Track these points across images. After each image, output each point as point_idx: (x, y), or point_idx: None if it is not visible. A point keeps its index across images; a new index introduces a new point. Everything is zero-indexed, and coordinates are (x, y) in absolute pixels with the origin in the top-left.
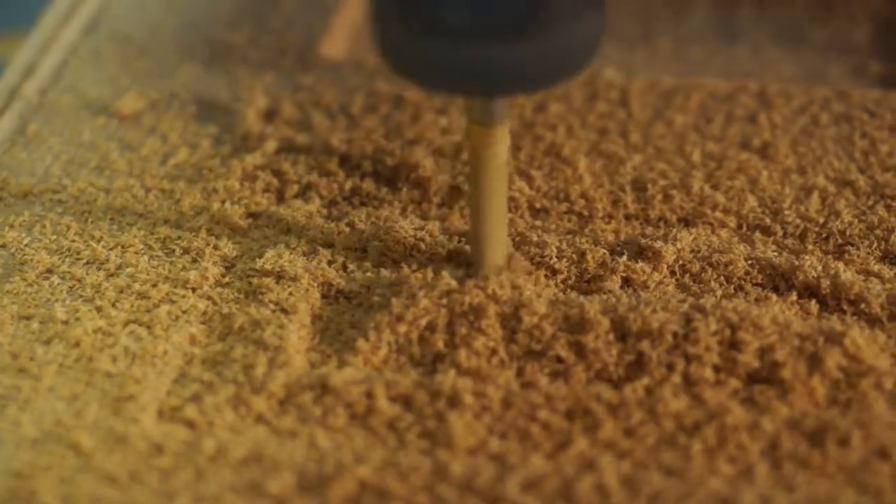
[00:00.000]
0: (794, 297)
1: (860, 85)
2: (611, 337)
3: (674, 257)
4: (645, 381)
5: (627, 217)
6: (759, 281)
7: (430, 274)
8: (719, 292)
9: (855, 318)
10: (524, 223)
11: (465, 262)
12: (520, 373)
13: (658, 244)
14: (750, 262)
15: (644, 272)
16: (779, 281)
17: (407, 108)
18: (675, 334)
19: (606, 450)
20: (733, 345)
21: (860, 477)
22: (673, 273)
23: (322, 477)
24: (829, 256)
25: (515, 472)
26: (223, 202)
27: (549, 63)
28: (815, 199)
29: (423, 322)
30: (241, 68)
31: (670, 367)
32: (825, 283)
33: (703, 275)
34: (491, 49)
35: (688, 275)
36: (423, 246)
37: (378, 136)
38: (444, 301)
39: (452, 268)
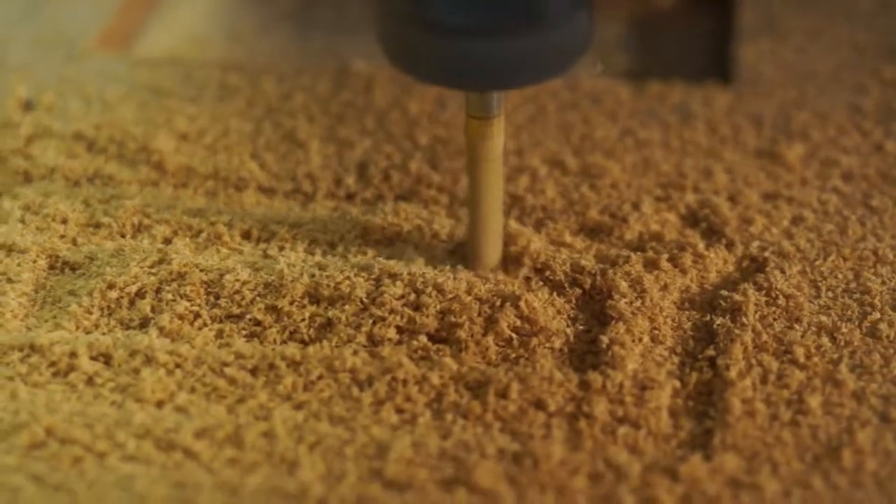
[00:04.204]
0: None
1: (605, 77)
2: (305, 301)
3: (382, 227)
4: (333, 340)
5: (348, 196)
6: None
7: (146, 244)
8: (420, 260)
9: (540, 283)
10: (253, 199)
11: (196, 233)
12: (219, 334)
13: (367, 217)
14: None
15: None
16: None
17: (162, 96)
18: (362, 299)
19: (284, 402)
20: (417, 307)
21: (514, 425)
22: (377, 242)
23: (14, 425)
24: (529, 228)
25: (193, 421)
26: None
27: (545, 58)
28: (525, 178)
29: (134, 289)
30: (13, 61)
31: (357, 328)
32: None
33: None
34: (488, 45)
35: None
36: (148, 221)
37: (128, 122)
38: (154, 269)
39: (180, 239)
